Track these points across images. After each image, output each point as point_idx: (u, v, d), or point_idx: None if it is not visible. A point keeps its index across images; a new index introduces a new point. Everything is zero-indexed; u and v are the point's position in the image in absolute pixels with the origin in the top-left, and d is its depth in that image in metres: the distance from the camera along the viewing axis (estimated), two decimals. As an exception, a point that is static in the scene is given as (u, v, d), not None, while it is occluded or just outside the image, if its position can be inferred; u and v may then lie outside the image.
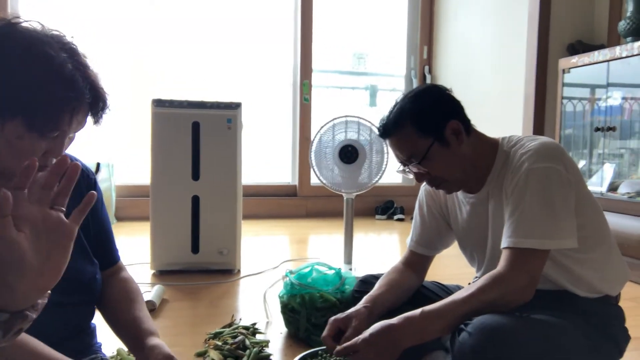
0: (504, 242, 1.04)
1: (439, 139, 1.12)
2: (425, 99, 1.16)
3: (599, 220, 1.14)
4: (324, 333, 1.13)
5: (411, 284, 1.31)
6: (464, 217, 1.25)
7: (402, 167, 1.20)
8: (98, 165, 3.53)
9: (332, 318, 1.16)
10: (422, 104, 1.14)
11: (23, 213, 0.57)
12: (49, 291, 0.61)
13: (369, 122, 2.27)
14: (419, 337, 1.00)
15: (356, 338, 1.02)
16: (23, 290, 0.57)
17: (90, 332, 1.02)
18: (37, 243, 0.57)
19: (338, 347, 1.03)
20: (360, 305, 1.19)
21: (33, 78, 0.73)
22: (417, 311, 1.00)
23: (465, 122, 1.16)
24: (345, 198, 2.36)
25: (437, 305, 1.01)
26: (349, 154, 2.23)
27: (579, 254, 1.07)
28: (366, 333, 1.01)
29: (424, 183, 1.32)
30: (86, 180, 1.00)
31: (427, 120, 1.13)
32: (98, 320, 1.03)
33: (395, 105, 1.17)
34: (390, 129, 1.16)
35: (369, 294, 1.23)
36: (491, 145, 1.17)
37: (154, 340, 0.94)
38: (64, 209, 0.61)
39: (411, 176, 1.20)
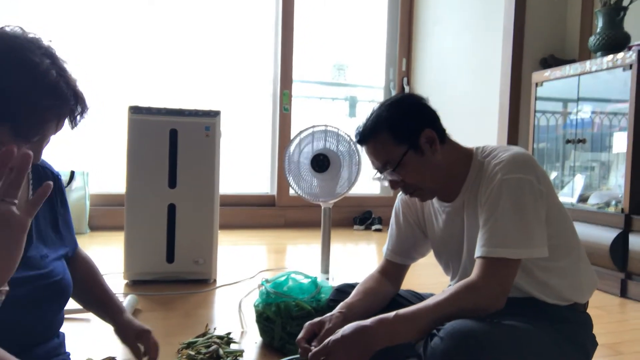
0: (477, 252, 1.06)
1: (414, 147, 1.14)
2: (402, 107, 1.18)
3: (568, 230, 1.16)
4: (299, 336, 1.14)
5: (387, 292, 1.32)
6: (440, 225, 1.26)
7: (377, 175, 1.21)
8: (72, 173, 3.47)
9: (308, 323, 1.17)
10: (398, 112, 1.16)
11: None
12: (7, 285, 0.62)
13: (337, 129, 2.29)
14: (391, 339, 1.00)
15: (327, 339, 1.02)
16: None
17: (59, 339, 1.01)
18: None
19: (310, 353, 1.03)
20: (335, 310, 1.19)
21: (19, 86, 0.73)
22: (391, 314, 1.01)
23: (440, 131, 1.18)
24: (322, 207, 2.36)
25: (410, 309, 1.02)
26: (320, 162, 2.24)
27: (548, 262, 1.10)
28: (338, 333, 1.01)
29: (401, 192, 1.34)
30: (56, 182, 1.01)
31: (403, 128, 1.14)
32: (66, 329, 1.01)
33: (372, 113, 1.19)
34: (366, 135, 1.17)
35: (344, 300, 1.23)
36: (465, 155, 1.19)
37: (127, 316, 1.08)
38: (16, 201, 0.61)
39: (386, 183, 1.21)
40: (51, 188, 0.63)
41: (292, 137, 2.31)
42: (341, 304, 1.22)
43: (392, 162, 1.15)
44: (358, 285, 1.32)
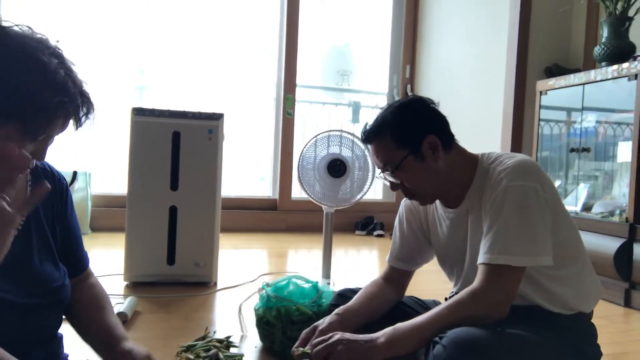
0: (480, 258, 1.05)
1: (415, 153, 1.14)
2: (408, 111, 1.18)
3: (574, 238, 1.16)
4: (295, 345, 1.14)
5: (389, 298, 1.31)
6: (444, 232, 1.25)
7: (380, 173, 1.22)
8: (75, 173, 3.47)
9: (304, 331, 1.17)
10: (403, 116, 1.17)
11: None
12: None
13: (356, 137, 2.28)
14: (393, 351, 0.99)
15: (332, 334, 1.03)
16: None
17: (58, 341, 0.99)
18: None
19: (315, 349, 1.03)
20: (331, 314, 1.20)
21: (29, 84, 0.74)
22: (392, 327, 1.01)
23: (446, 137, 1.17)
24: (324, 212, 2.35)
25: (412, 321, 1.01)
26: (337, 167, 2.23)
27: (554, 271, 1.08)
28: (345, 335, 1.02)
29: (405, 199, 1.33)
30: (58, 184, 0.99)
31: (406, 132, 1.15)
32: (65, 330, 1.00)
33: (379, 114, 1.20)
34: (370, 136, 1.19)
35: (343, 305, 1.23)
36: (471, 161, 1.19)
37: (129, 344, 0.95)
38: (7, 199, 0.62)
39: (387, 183, 1.22)
40: (48, 189, 0.63)
41: (301, 141, 2.29)
42: (339, 307, 1.23)
43: (392, 164, 1.16)
44: (360, 290, 1.31)
